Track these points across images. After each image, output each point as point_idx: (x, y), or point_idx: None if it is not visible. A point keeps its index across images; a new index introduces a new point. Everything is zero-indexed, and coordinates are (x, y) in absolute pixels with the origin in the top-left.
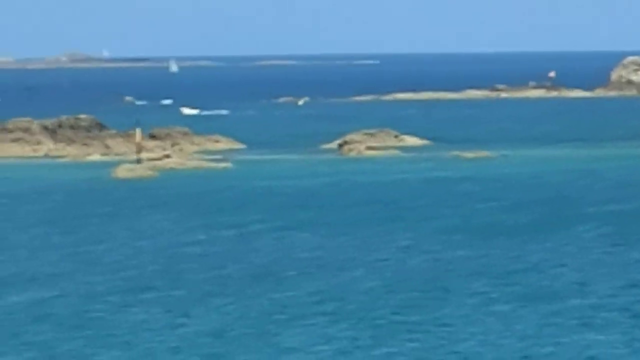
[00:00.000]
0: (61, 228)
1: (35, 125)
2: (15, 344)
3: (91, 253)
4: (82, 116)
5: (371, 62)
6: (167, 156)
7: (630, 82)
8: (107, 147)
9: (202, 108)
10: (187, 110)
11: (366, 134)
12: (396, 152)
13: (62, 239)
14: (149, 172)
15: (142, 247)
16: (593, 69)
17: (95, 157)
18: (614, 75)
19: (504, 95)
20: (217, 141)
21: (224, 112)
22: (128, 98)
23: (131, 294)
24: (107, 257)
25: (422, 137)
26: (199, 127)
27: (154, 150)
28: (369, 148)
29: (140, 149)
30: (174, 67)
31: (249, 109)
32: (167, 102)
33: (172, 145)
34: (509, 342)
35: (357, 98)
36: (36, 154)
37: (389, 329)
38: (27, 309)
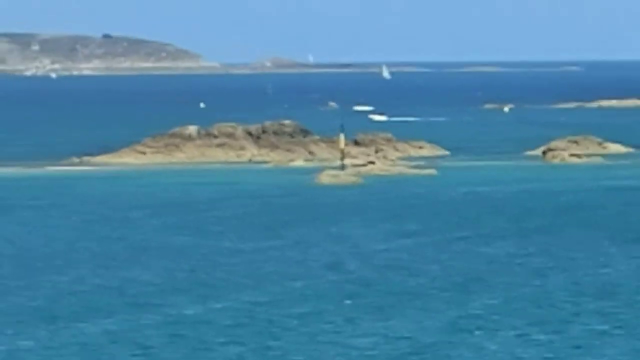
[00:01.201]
0: (263, 233)
1: (239, 130)
2: (217, 345)
3: (292, 258)
4: (286, 122)
5: (574, 68)
6: (371, 162)
7: None
8: (310, 152)
9: (390, 114)
10: (375, 117)
11: (570, 141)
12: (600, 159)
13: (263, 244)
14: (353, 179)
15: (341, 253)
16: None
17: (299, 162)
18: None
19: None
20: (420, 147)
21: (413, 119)
22: (332, 103)
23: (327, 300)
24: (306, 263)
25: (626, 144)
26: (403, 133)
27: (357, 156)
28: (573, 155)
29: (344, 155)
30: (386, 74)
31: (454, 115)
32: (365, 108)
33: (376, 151)
34: None
35: (561, 105)
36: (240, 159)
37: (587, 339)
38: (228, 313)
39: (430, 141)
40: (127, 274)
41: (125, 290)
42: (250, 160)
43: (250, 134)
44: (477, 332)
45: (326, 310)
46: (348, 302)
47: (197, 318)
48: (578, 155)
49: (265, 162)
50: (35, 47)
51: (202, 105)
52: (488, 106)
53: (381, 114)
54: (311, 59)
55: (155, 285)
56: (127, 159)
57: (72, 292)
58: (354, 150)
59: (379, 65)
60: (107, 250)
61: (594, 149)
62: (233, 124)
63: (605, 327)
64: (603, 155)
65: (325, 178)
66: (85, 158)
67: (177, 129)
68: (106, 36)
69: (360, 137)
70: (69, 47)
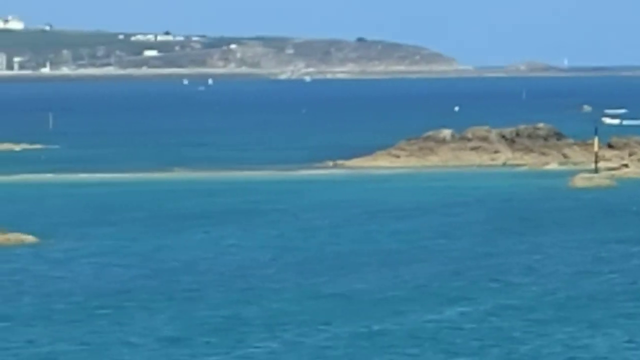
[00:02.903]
0: (510, 236)
1: (493, 134)
2: (473, 348)
3: (537, 262)
4: (540, 125)
5: None
6: (625, 165)
7: None
8: (564, 156)
9: (624, 118)
10: (608, 120)
11: None
12: None
13: (510, 248)
14: (607, 182)
15: (588, 260)
16: None
17: (553, 166)
18: None
19: None
20: None
21: None
22: (586, 107)
23: (568, 308)
24: (554, 267)
25: None
26: None
27: (612, 159)
28: None
29: (598, 158)
30: None
31: None
32: (617, 111)
33: (630, 154)
34: None
35: None
36: (494, 163)
37: None
38: (472, 318)
39: None
40: (376, 278)
41: (376, 294)
42: (504, 164)
43: (504, 137)
44: None
45: (567, 318)
46: (592, 310)
47: (441, 323)
48: None
49: (519, 165)
50: (290, 51)
51: (456, 108)
52: None
53: (614, 117)
54: (566, 63)
55: (393, 291)
56: (381, 162)
57: (329, 295)
58: (608, 153)
59: (634, 69)
60: (356, 253)
61: None
62: (487, 127)
63: None
64: None
65: (579, 181)
66: (340, 162)
67: (431, 133)
68: (360, 40)
69: (614, 140)
70: (323, 50)
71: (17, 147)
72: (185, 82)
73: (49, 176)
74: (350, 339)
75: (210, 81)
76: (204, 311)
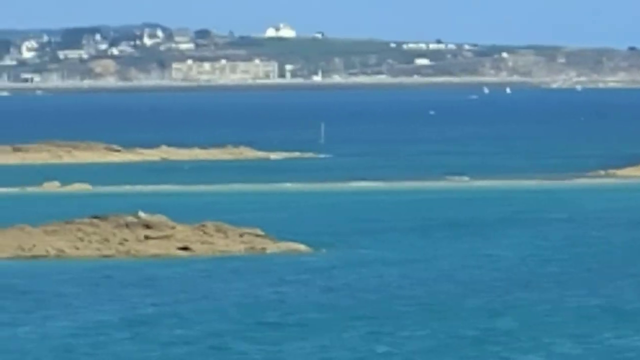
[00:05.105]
0: None
1: None
2: None
3: None
4: None
5: None
6: None
7: None
8: None
9: None
10: None
11: None
12: None
13: None
14: None
15: None
16: None
17: None
18: None
19: None
20: None
21: None
22: None
23: None
24: None
25: None
26: None
27: None
28: None
29: None
30: None
31: None
32: None
33: None
34: None
35: None
36: None
37: None
38: None
39: None
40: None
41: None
42: None
43: None
44: None
45: None
46: None
47: None
48: None
49: None
50: (561, 60)
51: None
52: None
53: None
54: None
55: None
56: None
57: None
58: None
59: None
60: (628, 265)
61: None
62: None
63: None
64: None
65: None
66: (611, 171)
67: None
68: (632, 49)
69: None
70: (594, 59)
71: (273, 156)
72: (486, 90)
73: (309, 185)
74: (618, 353)
75: (485, 90)
76: (459, 322)
